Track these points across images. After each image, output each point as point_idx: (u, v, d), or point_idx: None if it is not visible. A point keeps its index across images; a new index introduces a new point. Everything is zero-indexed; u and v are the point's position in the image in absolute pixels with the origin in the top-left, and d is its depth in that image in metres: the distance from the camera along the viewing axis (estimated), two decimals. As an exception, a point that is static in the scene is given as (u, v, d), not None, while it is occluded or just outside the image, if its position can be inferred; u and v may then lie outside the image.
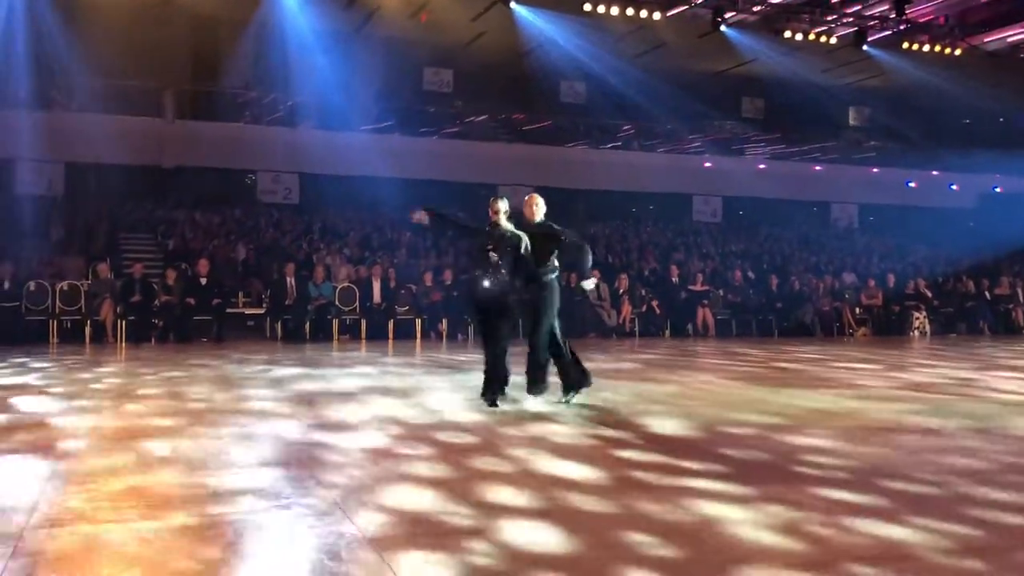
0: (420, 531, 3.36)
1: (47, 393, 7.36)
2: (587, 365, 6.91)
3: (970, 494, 3.89)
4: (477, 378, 6.81)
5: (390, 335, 15.05)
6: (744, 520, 3.44)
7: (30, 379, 8.45)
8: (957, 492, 3.94)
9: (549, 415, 6.16)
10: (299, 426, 5.68)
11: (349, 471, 4.40)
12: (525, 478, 4.22)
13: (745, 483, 4.03)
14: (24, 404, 6.72)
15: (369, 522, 3.44)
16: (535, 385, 6.58)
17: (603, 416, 6.14)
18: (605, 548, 3.15)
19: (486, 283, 6.47)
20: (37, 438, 5.25)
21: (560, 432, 5.49)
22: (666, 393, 7.50)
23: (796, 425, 5.76)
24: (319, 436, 5.41)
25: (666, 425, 5.74)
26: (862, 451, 4.91)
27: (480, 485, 4.07)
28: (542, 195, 6.87)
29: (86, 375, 8.95)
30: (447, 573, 2.88)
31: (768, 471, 4.38)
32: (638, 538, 3.23)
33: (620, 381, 8.34)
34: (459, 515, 3.58)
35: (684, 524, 3.43)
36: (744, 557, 3.02)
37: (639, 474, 4.31)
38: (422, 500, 3.82)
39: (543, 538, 3.25)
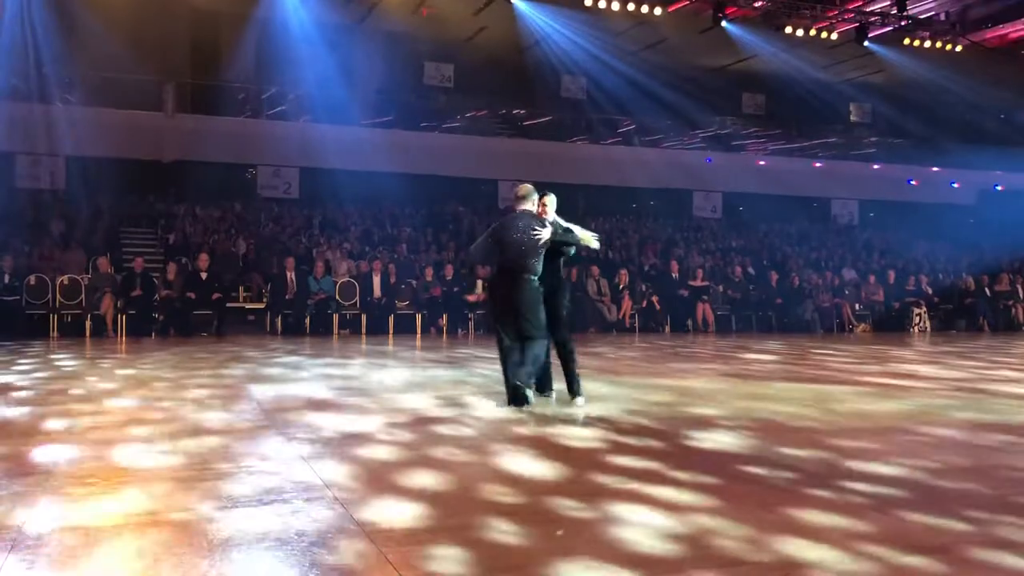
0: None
1: (47, 387, 7.37)
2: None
3: (1004, 537, 3.22)
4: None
5: (390, 330, 15.06)
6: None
7: (34, 374, 8.46)
8: (986, 532, 3.27)
9: (577, 419, 5.83)
10: (302, 412, 5.70)
11: (306, 447, 4.72)
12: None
13: (717, 498, 3.72)
14: (23, 400, 6.72)
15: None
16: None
17: (634, 424, 5.64)
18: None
19: None
20: (35, 432, 5.25)
21: (569, 434, 5.27)
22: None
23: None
24: (315, 417, 5.54)
25: (705, 437, 5.17)
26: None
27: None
28: (542, 190, 6.65)
29: (88, 369, 8.97)
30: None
31: (768, 493, 3.89)
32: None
33: (664, 383, 7.89)
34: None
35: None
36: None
37: (604, 478, 4.10)
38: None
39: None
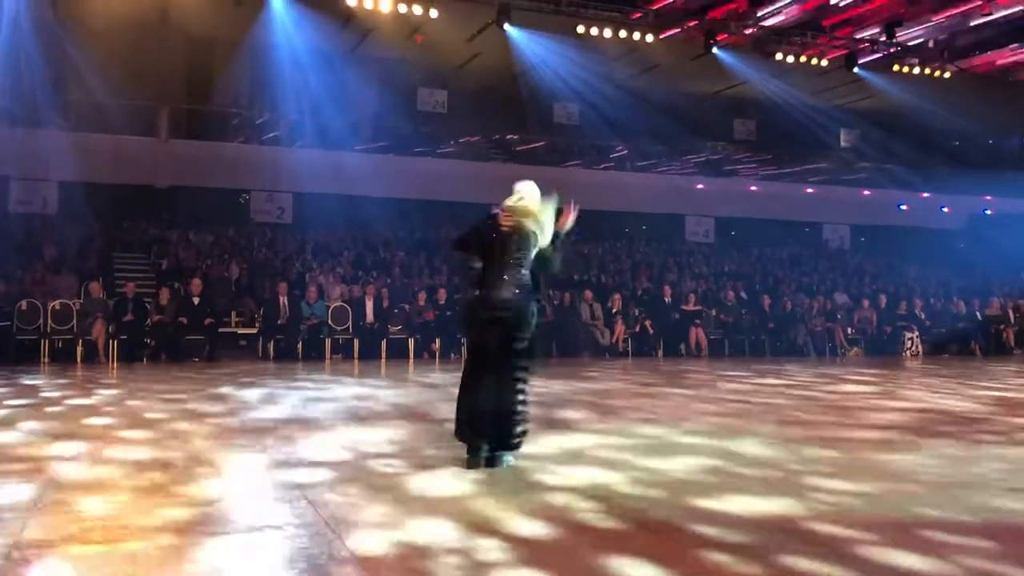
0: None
1: (42, 412, 7.32)
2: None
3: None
4: None
5: (383, 355, 15.02)
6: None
7: (30, 399, 8.40)
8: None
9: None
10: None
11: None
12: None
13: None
14: (18, 423, 6.68)
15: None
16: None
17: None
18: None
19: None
20: (30, 455, 5.21)
21: (556, 472, 4.80)
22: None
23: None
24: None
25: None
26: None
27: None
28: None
29: (83, 394, 8.92)
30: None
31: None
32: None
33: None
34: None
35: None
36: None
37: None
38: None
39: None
